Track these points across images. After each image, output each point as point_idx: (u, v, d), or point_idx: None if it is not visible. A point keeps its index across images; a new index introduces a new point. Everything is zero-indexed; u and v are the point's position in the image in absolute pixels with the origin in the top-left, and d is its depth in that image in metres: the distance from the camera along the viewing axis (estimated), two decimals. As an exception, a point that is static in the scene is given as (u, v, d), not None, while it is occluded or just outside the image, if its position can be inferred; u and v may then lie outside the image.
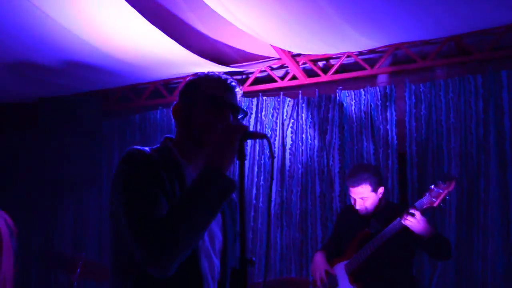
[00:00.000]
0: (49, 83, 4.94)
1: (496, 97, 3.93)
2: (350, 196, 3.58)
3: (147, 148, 1.77)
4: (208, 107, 1.79)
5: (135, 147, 1.76)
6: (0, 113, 5.71)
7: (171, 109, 1.87)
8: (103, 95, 5.45)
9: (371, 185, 3.45)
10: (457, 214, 3.96)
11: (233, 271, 1.85)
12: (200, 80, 1.87)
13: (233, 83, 1.86)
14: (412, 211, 3.19)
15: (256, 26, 3.56)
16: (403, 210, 3.32)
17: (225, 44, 4.61)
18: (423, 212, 3.21)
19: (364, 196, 3.47)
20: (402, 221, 3.22)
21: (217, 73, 1.89)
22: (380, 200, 3.53)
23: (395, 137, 4.31)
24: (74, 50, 4.17)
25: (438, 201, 3.18)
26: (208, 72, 1.91)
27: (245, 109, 1.85)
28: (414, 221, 3.18)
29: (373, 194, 3.47)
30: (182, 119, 1.83)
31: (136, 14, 3.56)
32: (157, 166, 1.70)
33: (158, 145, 1.85)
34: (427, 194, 3.22)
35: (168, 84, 5.36)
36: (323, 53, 4.49)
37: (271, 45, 4.40)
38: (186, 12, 4.19)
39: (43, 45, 4.08)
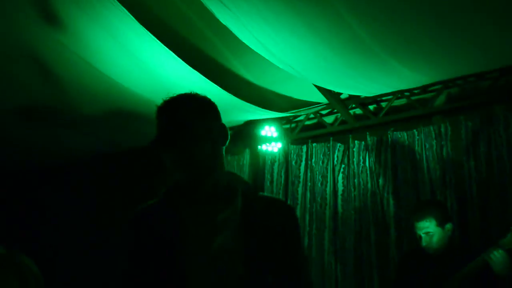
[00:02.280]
0: (104, 138, 5.04)
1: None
2: (415, 233, 3.37)
3: (151, 202, 1.71)
4: None
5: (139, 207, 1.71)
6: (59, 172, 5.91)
7: None
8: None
9: (436, 219, 3.26)
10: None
11: None
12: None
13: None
14: (496, 248, 2.99)
15: (299, 67, 3.51)
16: (473, 251, 3.12)
17: (272, 91, 4.59)
18: (508, 252, 2.99)
19: (430, 231, 3.26)
20: (486, 259, 2.99)
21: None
22: (449, 238, 3.29)
23: (452, 178, 4.06)
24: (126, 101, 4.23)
25: None
26: None
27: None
28: (498, 259, 2.94)
29: (439, 229, 3.27)
30: None
31: (188, 68, 3.58)
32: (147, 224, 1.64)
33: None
34: (509, 234, 3.00)
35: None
36: (372, 94, 4.37)
37: (319, 90, 4.34)
38: (231, 61, 4.23)
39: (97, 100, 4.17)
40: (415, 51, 3.14)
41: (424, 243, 3.29)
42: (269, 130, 4.76)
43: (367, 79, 3.65)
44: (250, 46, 3.24)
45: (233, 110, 4.28)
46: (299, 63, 3.36)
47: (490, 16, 2.86)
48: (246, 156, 5.05)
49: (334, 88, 4.21)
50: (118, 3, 2.76)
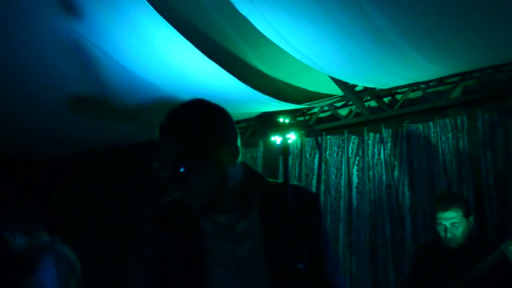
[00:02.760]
0: (123, 130, 5.04)
1: None
2: (438, 224, 3.29)
3: (168, 200, 1.68)
4: None
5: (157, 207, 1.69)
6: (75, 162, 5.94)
7: None
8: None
9: (462, 210, 3.22)
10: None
11: None
12: None
13: None
14: None
15: (317, 58, 3.48)
16: (491, 244, 3.11)
17: (286, 83, 4.58)
18: None
19: (456, 222, 3.22)
20: (505, 251, 2.96)
21: None
22: (471, 231, 3.27)
23: (469, 171, 4.02)
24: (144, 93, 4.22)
25: None
26: None
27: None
28: None
29: (464, 220, 3.23)
30: None
31: (205, 59, 3.55)
32: (163, 227, 1.62)
33: None
34: None
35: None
36: (388, 86, 4.33)
37: (334, 82, 4.32)
38: (247, 52, 4.21)
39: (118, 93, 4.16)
40: (435, 42, 3.11)
41: (449, 234, 3.23)
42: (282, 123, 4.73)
43: (384, 71, 3.62)
44: (268, 36, 3.22)
45: (249, 102, 4.27)
46: (317, 54, 3.34)
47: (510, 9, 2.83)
48: (260, 148, 5.05)
49: (351, 80, 4.18)
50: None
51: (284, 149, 1.53)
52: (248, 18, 3.01)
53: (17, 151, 5.44)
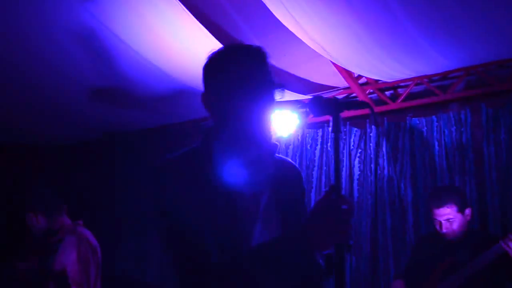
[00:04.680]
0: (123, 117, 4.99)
1: None
2: (434, 220, 3.34)
3: (182, 154, 1.56)
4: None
5: (161, 159, 1.55)
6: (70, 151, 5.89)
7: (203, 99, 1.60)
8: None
9: (457, 205, 3.24)
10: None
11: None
12: (228, 61, 1.56)
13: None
14: None
15: (330, 45, 3.46)
16: (492, 237, 3.11)
17: (290, 74, 4.57)
18: None
19: (451, 217, 3.25)
20: (503, 245, 2.97)
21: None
22: (468, 223, 3.29)
23: (472, 165, 4.07)
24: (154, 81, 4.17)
25: None
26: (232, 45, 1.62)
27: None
28: None
29: (459, 215, 3.25)
30: (214, 113, 1.58)
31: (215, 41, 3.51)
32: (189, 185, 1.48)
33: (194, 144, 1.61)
34: None
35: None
36: (394, 79, 4.35)
37: (340, 73, 4.32)
38: (252, 39, 4.19)
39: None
40: (449, 34, 3.13)
41: (445, 230, 3.27)
42: (285, 113, 4.74)
43: (395, 62, 3.63)
44: (282, 21, 3.21)
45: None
46: (331, 42, 3.33)
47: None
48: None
49: (360, 71, 4.19)
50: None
51: (336, 128, 1.52)
52: (264, 2, 2.99)
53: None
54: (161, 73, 3.85)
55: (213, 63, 1.58)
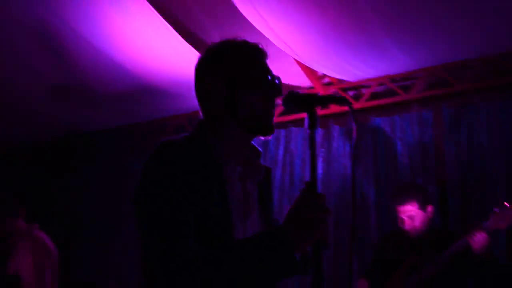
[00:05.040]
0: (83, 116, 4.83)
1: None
2: (398, 217, 3.38)
3: (181, 139, 1.48)
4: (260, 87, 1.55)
5: (167, 139, 1.46)
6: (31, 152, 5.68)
7: (197, 89, 1.58)
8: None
9: (418, 202, 3.29)
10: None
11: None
12: (246, 50, 1.58)
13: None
14: (479, 231, 3.02)
15: (299, 47, 3.44)
16: (455, 235, 3.16)
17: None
18: (491, 234, 3.02)
19: (413, 214, 3.29)
20: (469, 240, 3.01)
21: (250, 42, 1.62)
22: (430, 220, 3.33)
23: (433, 164, 4.13)
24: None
25: (506, 224, 2.99)
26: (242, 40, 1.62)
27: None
28: (481, 241, 2.97)
29: (421, 212, 3.30)
30: (222, 100, 1.53)
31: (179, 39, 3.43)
32: (193, 165, 1.41)
33: (187, 133, 1.57)
34: (492, 217, 3.04)
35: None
36: (358, 78, 4.37)
37: (304, 72, 4.30)
38: (215, 37, 4.12)
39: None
40: (414, 33, 3.16)
41: (407, 227, 3.32)
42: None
43: (361, 61, 3.64)
44: (251, 21, 3.16)
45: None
46: (299, 42, 3.31)
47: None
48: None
49: (324, 70, 4.18)
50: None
51: (312, 124, 1.49)
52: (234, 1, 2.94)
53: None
54: (123, 71, 3.74)
55: (230, 53, 1.57)
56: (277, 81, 1.60)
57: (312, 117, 1.48)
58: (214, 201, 1.42)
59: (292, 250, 1.34)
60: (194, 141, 1.50)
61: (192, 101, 5.05)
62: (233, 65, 1.55)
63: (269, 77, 1.57)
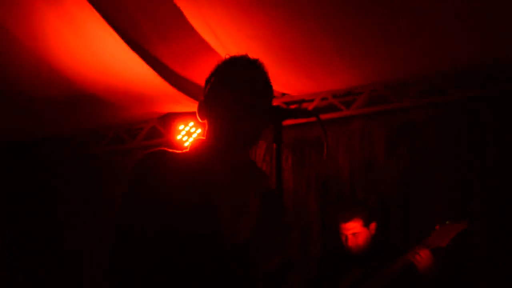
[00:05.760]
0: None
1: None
2: (341, 233, 3.39)
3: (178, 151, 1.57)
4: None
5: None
6: None
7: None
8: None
9: (363, 219, 3.32)
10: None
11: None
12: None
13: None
14: (421, 248, 3.05)
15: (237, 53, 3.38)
16: (397, 249, 3.19)
17: (196, 84, 4.43)
18: (433, 252, 3.04)
19: (356, 232, 3.31)
20: (412, 260, 3.02)
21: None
22: (373, 236, 3.35)
23: (374, 178, 4.17)
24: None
25: (447, 241, 3.02)
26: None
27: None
28: (423, 259, 3.00)
29: (365, 229, 3.33)
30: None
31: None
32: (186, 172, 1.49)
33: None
34: (433, 234, 3.07)
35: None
36: (301, 92, 4.37)
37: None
38: (161, 49, 4.00)
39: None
40: (356, 51, 3.19)
41: (350, 244, 3.34)
42: (188, 125, 4.63)
43: (306, 77, 3.64)
44: (198, 30, 3.08)
45: (163, 98, 4.06)
46: (242, 51, 3.25)
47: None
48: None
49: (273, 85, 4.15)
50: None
51: (278, 137, 1.43)
52: (184, 12, 2.85)
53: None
54: (58, 77, 3.54)
55: (226, 68, 1.65)
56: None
57: (278, 130, 1.44)
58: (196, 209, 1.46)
59: (257, 265, 1.40)
60: (188, 156, 1.58)
61: (130, 111, 4.84)
62: (227, 81, 1.62)
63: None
